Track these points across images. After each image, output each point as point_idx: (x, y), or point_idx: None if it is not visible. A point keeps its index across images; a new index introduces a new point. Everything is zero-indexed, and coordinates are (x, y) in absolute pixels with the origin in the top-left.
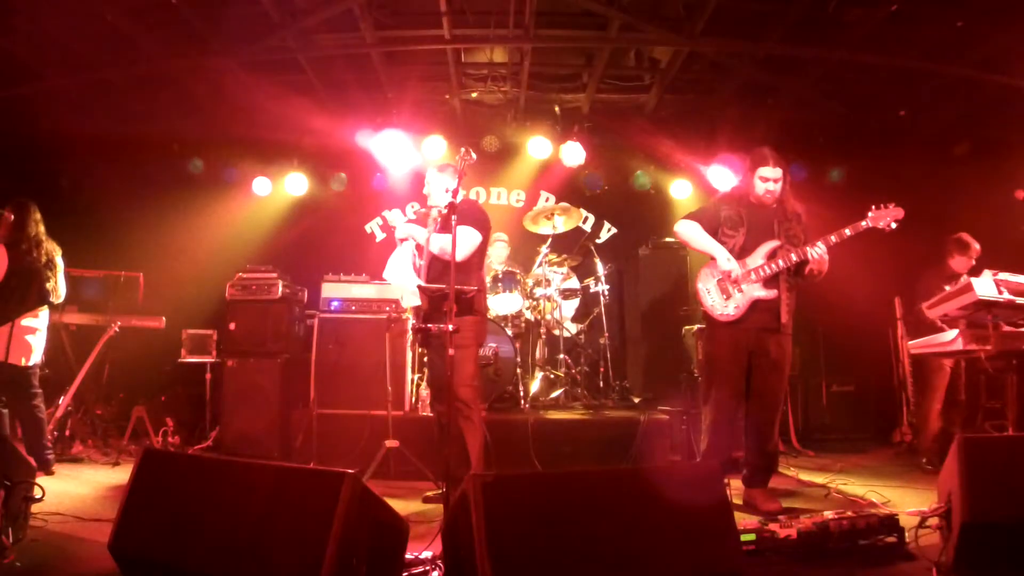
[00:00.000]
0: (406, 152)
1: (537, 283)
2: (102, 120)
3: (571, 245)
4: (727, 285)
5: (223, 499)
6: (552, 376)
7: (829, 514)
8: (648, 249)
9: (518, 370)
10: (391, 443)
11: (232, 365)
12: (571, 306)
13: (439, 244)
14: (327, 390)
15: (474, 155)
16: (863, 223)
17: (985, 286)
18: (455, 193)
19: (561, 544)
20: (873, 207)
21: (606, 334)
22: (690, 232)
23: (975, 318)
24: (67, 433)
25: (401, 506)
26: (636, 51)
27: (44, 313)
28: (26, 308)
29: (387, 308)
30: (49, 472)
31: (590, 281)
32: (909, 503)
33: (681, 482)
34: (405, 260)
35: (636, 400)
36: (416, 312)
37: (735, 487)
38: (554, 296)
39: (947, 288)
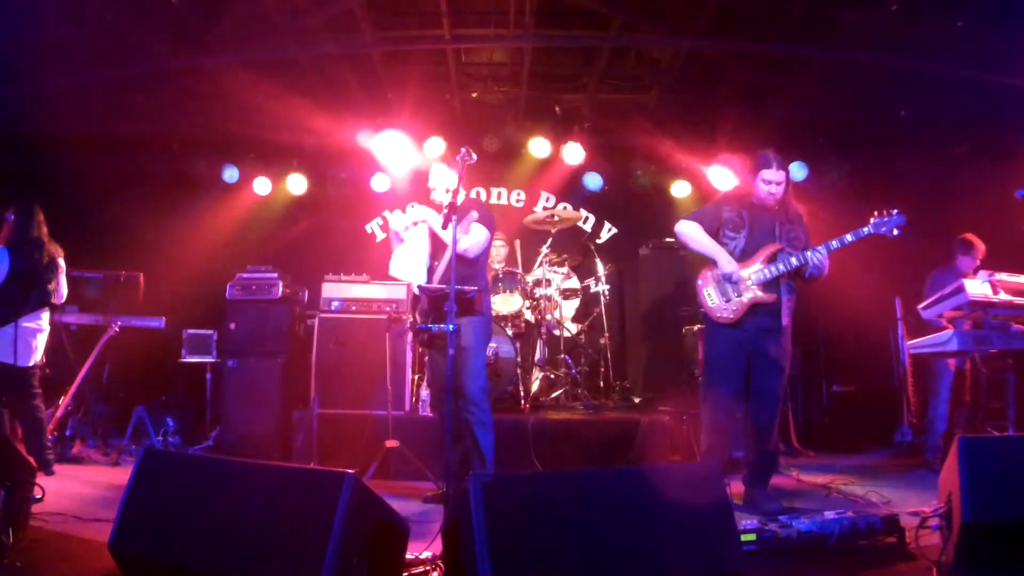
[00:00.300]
0: (406, 152)
1: (537, 283)
2: (102, 120)
3: (571, 245)
4: (727, 287)
5: (223, 499)
6: (552, 376)
7: (829, 514)
8: (648, 249)
9: (518, 370)
10: (391, 443)
11: (232, 365)
12: (571, 306)
13: (464, 242)
14: (327, 390)
15: (474, 155)
16: (865, 229)
17: (977, 287)
18: (455, 193)
19: (561, 544)
20: (876, 213)
21: (606, 334)
22: (691, 233)
23: (978, 318)
24: (67, 433)
25: (401, 506)
26: (636, 51)
27: (45, 314)
28: (28, 309)
29: (387, 308)
30: (49, 472)
31: (590, 281)
32: (909, 503)
33: (681, 482)
34: (413, 255)
35: (636, 400)
36: (416, 311)
37: (735, 487)
38: (554, 296)
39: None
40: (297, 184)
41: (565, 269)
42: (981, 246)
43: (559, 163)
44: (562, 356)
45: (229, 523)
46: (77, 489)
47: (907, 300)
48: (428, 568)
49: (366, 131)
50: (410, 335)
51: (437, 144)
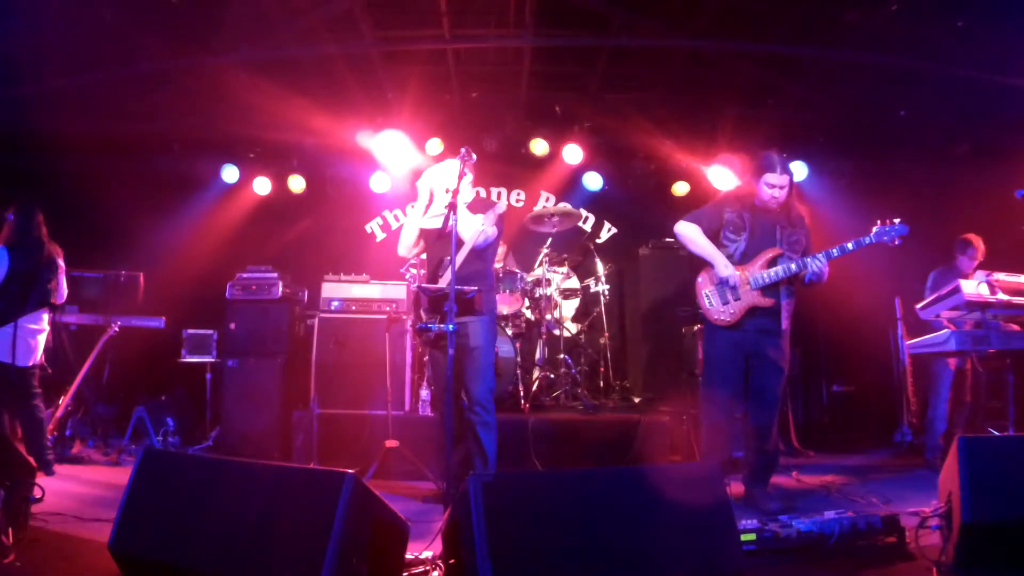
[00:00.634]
0: (406, 152)
1: (537, 283)
2: (102, 120)
3: (571, 245)
4: (725, 290)
5: (223, 499)
6: (552, 376)
7: (829, 514)
8: (648, 249)
9: (518, 370)
10: (391, 443)
11: (232, 365)
12: (571, 306)
13: (475, 233)
14: (327, 390)
15: (474, 156)
16: (867, 239)
17: (973, 287)
18: (455, 193)
19: (561, 544)
20: (879, 221)
21: (606, 334)
22: (690, 235)
23: (976, 318)
24: (67, 433)
25: (401, 506)
26: (636, 51)
27: (45, 314)
28: (28, 309)
29: (387, 308)
30: (49, 472)
31: (590, 281)
32: (909, 503)
33: (681, 482)
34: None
35: (636, 400)
36: (420, 310)
37: (735, 487)
38: (554, 296)
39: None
40: (297, 184)
41: (565, 269)
42: (981, 246)
43: (559, 163)
44: (562, 356)
45: (229, 523)
46: (77, 489)
47: (907, 300)
48: (428, 568)
49: (366, 131)
50: (409, 335)
51: (437, 144)
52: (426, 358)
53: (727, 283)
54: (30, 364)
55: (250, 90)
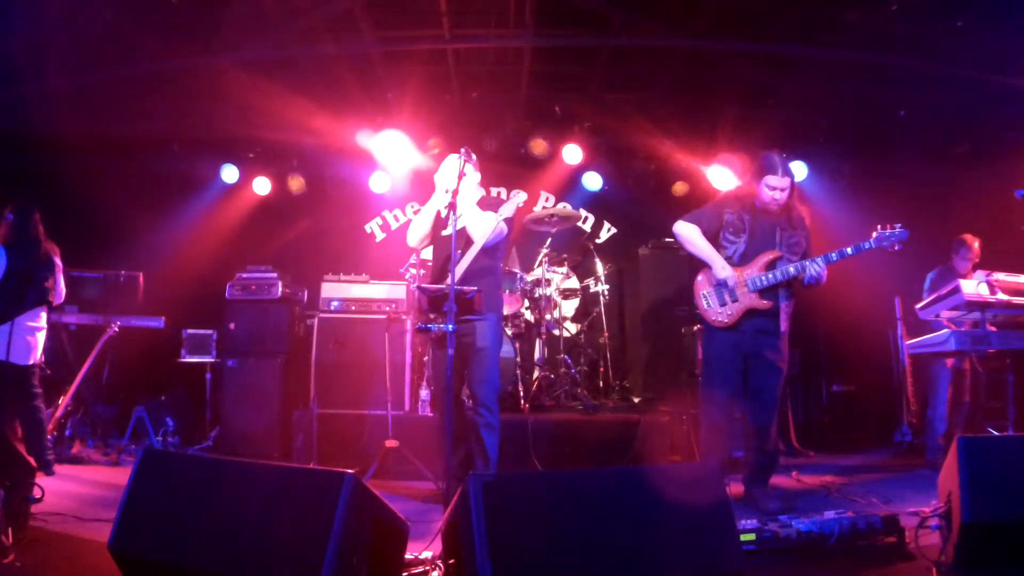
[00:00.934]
0: (405, 152)
1: (537, 283)
2: (102, 120)
3: (571, 245)
4: (723, 292)
5: (223, 499)
6: (552, 376)
7: (829, 514)
8: (648, 249)
9: (518, 370)
10: (391, 443)
11: (232, 365)
12: (571, 306)
13: (490, 229)
14: (327, 390)
15: (474, 156)
16: (867, 244)
17: (973, 287)
18: (455, 194)
19: (561, 544)
20: (879, 226)
21: (606, 334)
22: (689, 235)
23: (976, 318)
24: (67, 433)
25: (401, 506)
26: (636, 51)
27: (43, 313)
28: (25, 308)
29: (386, 308)
30: (49, 472)
31: (590, 281)
32: (909, 503)
33: (681, 482)
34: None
35: (636, 400)
36: (420, 310)
37: (735, 487)
38: (554, 296)
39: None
40: (297, 184)
41: (565, 269)
42: (975, 246)
43: (559, 163)
44: (562, 356)
45: (229, 523)
46: (77, 489)
47: (906, 300)
48: (428, 568)
49: (366, 131)
50: (409, 335)
51: (437, 144)
52: (426, 358)
53: (725, 285)
54: (29, 363)
55: (250, 90)
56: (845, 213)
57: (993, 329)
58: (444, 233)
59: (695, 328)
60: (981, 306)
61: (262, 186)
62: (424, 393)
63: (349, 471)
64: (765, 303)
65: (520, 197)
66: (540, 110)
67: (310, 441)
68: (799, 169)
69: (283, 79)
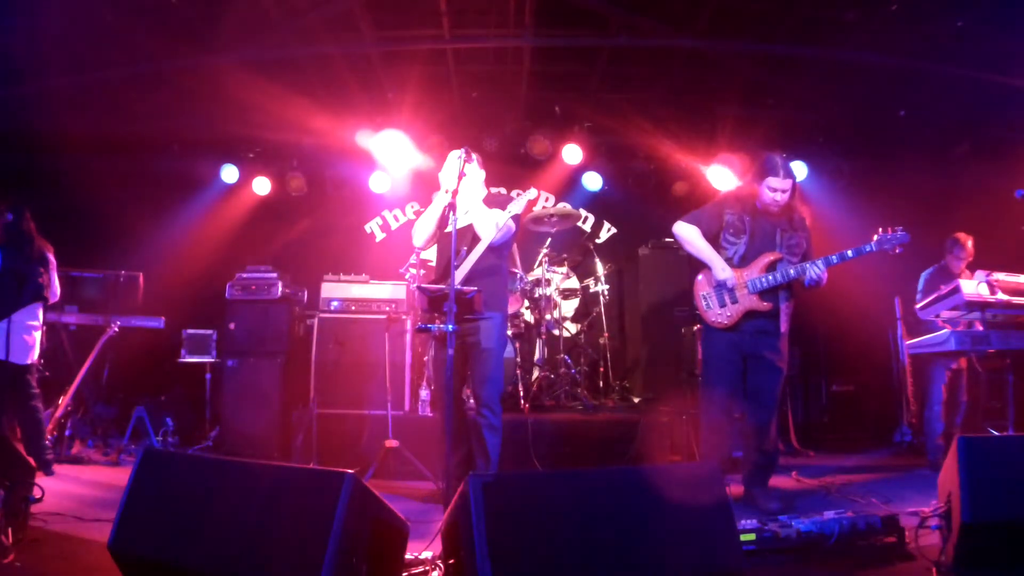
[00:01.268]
0: (405, 152)
1: (536, 283)
2: (102, 120)
3: (571, 245)
4: (723, 293)
5: (223, 499)
6: (552, 376)
7: (829, 514)
8: (648, 249)
9: (518, 370)
10: (391, 443)
11: (232, 365)
12: (571, 306)
13: (497, 227)
14: (327, 390)
15: (474, 156)
16: (868, 247)
17: (973, 287)
18: (455, 193)
19: (561, 544)
20: (880, 230)
21: (606, 334)
22: (688, 236)
23: (975, 318)
24: (67, 433)
25: (401, 506)
26: (636, 51)
27: (40, 311)
28: (21, 305)
29: (386, 308)
30: (49, 472)
31: (590, 281)
32: (909, 503)
33: (681, 482)
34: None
35: (636, 400)
36: (422, 310)
37: (735, 487)
38: (553, 296)
39: (943, 289)
40: (296, 184)
41: (564, 269)
42: (969, 245)
43: (559, 163)
44: (562, 356)
45: (229, 523)
46: (77, 489)
47: (906, 300)
48: (428, 568)
49: (365, 131)
50: (409, 335)
51: (437, 144)
52: (426, 358)
53: (725, 286)
54: (27, 362)
55: (250, 90)
56: (845, 213)
57: (980, 327)
58: (447, 231)
59: (695, 328)
60: (981, 306)
61: (262, 186)
62: (424, 393)
63: (349, 471)
64: (765, 305)
65: (529, 194)
66: (540, 110)
67: (310, 441)
68: (799, 169)
69: (283, 79)
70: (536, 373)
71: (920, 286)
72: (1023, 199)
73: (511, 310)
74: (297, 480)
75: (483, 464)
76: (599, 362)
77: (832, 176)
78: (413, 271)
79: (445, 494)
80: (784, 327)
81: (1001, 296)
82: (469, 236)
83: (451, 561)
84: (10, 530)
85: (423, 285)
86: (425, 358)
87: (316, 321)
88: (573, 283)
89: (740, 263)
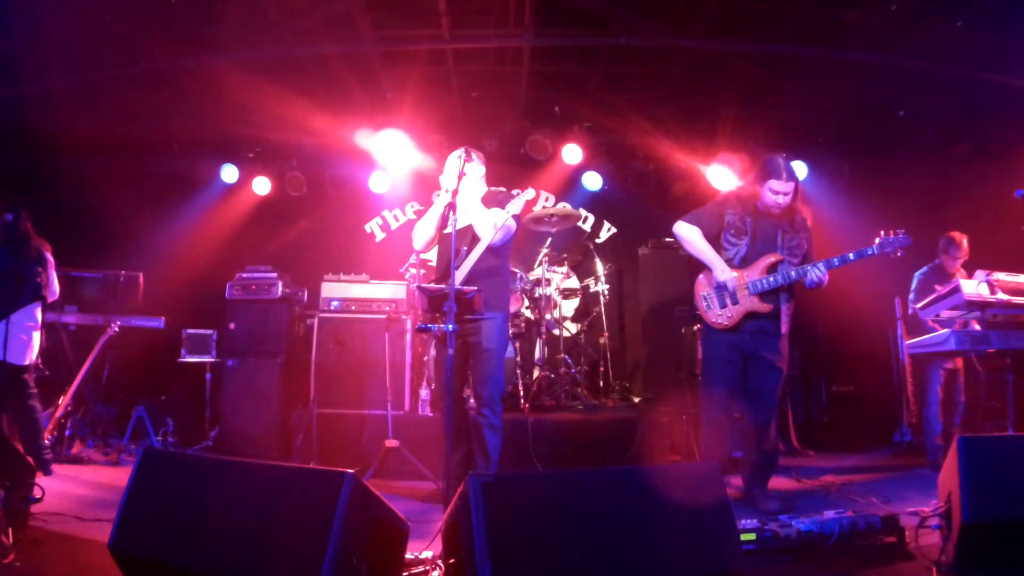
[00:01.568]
0: (405, 152)
1: (537, 283)
2: (102, 120)
3: (571, 245)
4: (724, 294)
5: (223, 499)
6: (552, 376)
7: (829, 514)
8: (648, 249)
9: (518, 370)
10: (391, 443)
11: (232, 365)
12: (571, 305)
13: (496, 227)
14: (327, 390)
15: (475, 154)
16: (869, 250)
17: (973, 286)
18: (455, 194)
19: (561, 544)
20: (882, 232)
21: (606, 334)
22: (689, 236)
23: (975, 318)
24: (67, 433)
25: (401, 506)
26: (636, 50)
27: (39, 311)
28: (19, 305)
29: (387, 308)
30: (47, 472)
31: (590, 281)
32: (909, 503)
33: (681, 482)
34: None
35: (636, 400)
36: (422, 310)
37: (735, 487)
38: (554, 295)
39: (938, 288)
40: (296, 184)
41: (565, 269)
42: (964, 245)
43: (559, 163)
44: (562, 356)
45: (229, 523)
46: (77, 489)
47: (906, 300)
48: (428, 568)
49: (365, 131)
50: (410, 335)
51: (436, 144)
52: (426, 358)
53: (725, 287)
54: (25, 362)
55: (250, 90)
56: (845, 213)
57: (978, 327)
58: (446, 232)
59: (695, 328)
60: (981, 306)
61: (262, 186)
62: (424, 393)
63: (349, 471)
64: (766, 306)
65: (527, 193)
66: (540, 110)
67: (310, 441)
68: (799, 169)
69: (283, 79)
70: (536, 373)
71: (914, 285)
72: (1023, 199)
73: (511, 309)
74: (297, 480)
75: (483, 464)
76: (599, 362)
77: (832, 176)
78: (413, 271)
79: (445, 494)
80: (785, 328)
81: (1001, 296)
82: (469, 236)
83: (451, 561)
84: (10, 530)
85: (423, 285)
86: (425, 358)
87: (316, 321)
88: (573, 283)
89: (741, 264)
